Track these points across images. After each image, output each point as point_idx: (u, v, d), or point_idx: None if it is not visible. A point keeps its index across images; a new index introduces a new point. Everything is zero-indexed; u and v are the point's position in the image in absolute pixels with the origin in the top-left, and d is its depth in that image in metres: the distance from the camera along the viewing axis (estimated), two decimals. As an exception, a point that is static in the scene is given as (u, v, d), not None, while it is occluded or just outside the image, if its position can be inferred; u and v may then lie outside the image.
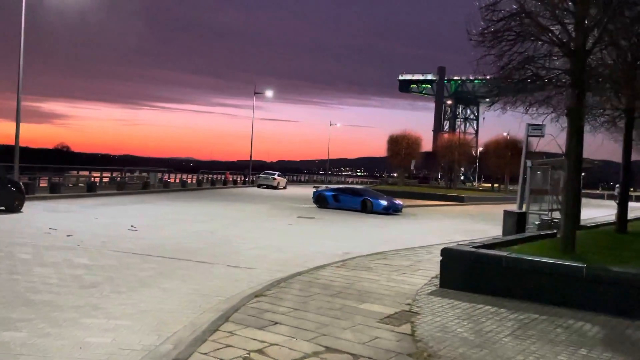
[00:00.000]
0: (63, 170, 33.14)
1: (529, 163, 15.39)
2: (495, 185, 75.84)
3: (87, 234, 12.46)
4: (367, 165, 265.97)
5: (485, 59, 9.45)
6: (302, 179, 78.53)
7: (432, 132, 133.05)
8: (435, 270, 9.35)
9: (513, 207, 16.94)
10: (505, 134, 73.73)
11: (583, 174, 21.83)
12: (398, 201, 26.12)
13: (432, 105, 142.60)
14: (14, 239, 11.31)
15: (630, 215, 17.25)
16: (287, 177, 55.85)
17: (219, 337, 5.30)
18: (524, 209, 14.87)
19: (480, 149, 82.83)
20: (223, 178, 47.80)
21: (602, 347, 5.60)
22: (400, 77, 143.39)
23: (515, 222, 13.13)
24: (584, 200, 28.42)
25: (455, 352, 5.16)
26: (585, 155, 11.12)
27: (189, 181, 41.02)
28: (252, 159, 55.59)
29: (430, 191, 49.26)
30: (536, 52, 9.54)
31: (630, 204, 22.56)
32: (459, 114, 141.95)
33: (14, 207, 16.12)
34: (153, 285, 7.86)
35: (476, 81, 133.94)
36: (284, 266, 9.90)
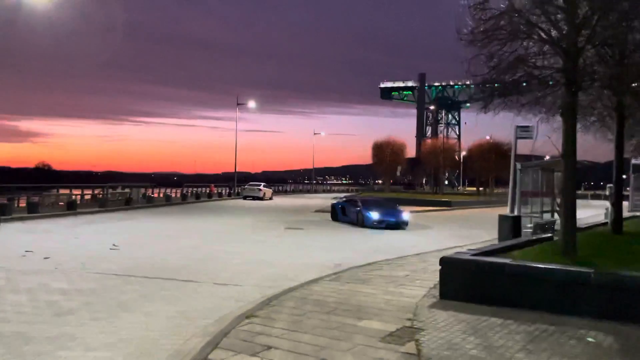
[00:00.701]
0: (42, 189, 32.20)
1: (518, 165, 15.11)
2: (481, 188, 76.07)
3: (66, 256, 11.84)
4: (351, 172, 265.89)
5: (475, 59, 9.13)
6: (288, 189, 78.08)
7: (414, 138, 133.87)
8: (433, 279, 8.96)
9: (502, 211, 16.65)
10: (487, 137, 74.32)
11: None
12: (403, 214, 21.23)
13: (414, 111, 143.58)
14: (-14, 263, 10.67)
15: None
16: (273, 187, 55.37)
17: (207, 367, 4.82)
18: (516, 213, 14.56)
19: (463, 153, 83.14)
20: (208, 191, 47.17)
21: (622, 359, 5.23)
22: (382, 85, 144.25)
23: (511, 226, 12.80)
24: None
25: (467, 373, 4.74)
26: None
27: (174, 195, 40.30)
28: (237, 170, 55.12)
29: (417, 197, 49.19)
30: (528, 51, 9.25)
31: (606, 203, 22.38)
32: (440, 119, 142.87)
33: (-12, 229, 15.44)
34: (135, 310, 7.33)
35: (456, 87, 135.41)
36: (274, 282, 9.42)
